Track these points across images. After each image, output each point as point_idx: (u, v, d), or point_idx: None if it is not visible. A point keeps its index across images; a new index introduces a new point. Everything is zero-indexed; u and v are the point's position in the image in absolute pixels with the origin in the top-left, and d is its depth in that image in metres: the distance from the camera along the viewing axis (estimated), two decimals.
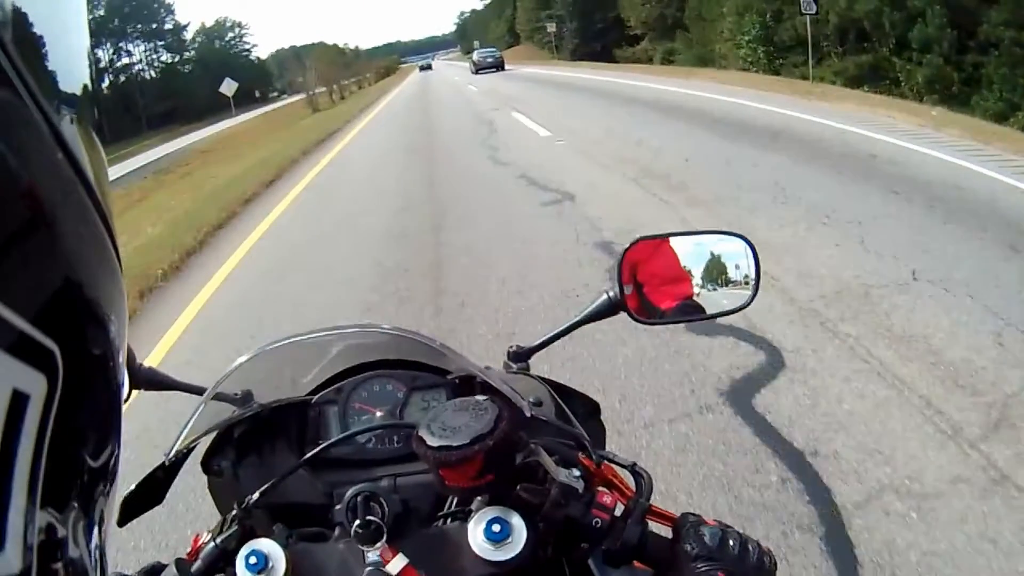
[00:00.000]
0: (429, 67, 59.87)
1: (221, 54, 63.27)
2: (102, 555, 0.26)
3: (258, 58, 71.52)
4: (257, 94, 57.93)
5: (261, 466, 0.74)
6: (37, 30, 0.22)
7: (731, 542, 0.57)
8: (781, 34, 17.40)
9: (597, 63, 28.87)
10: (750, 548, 0.57)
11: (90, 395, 0.24)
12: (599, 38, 34.62)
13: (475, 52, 38.13)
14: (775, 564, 0.58)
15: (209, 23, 70.46)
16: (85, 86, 0.27)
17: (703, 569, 0.55)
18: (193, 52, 61.89)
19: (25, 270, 0.20)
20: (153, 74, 57.72)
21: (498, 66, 34.64)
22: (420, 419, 0.58)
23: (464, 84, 25.70)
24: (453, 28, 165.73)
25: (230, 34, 67.40)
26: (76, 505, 0.23)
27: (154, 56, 58.09)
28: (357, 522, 0.58)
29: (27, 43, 0.22)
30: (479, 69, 34.60)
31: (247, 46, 69.67)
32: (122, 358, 0.27)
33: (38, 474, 0.20)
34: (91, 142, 0.26)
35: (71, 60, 0.26)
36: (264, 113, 35.54)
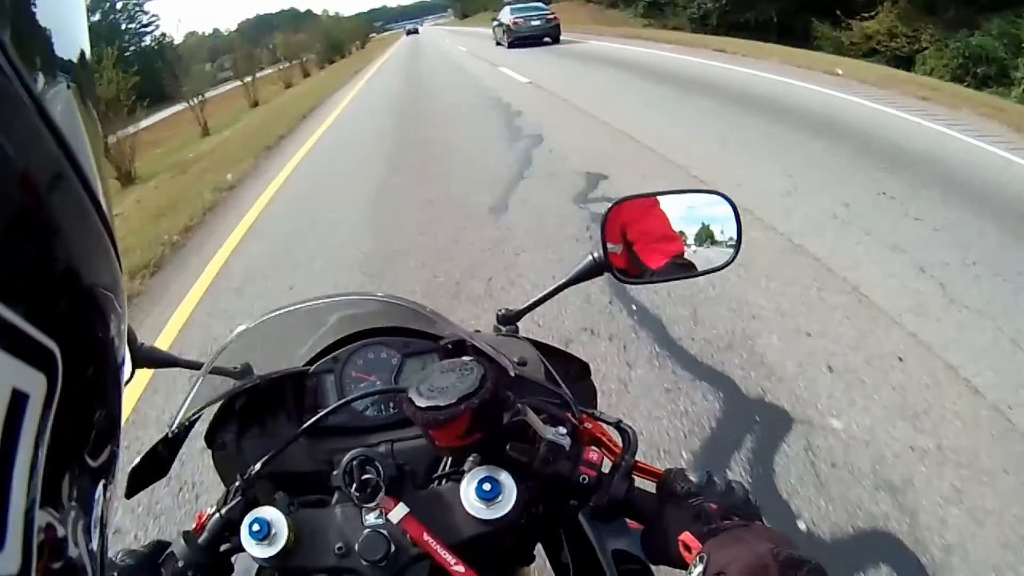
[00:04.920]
0: (416, 31, 60.27)
1: (99, 35, 43.21)
2: (102, 554, 0.26)
3: (162, 38, 46.48)
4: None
5: (263, 437, 0.76)
6: None
7: (717, 481, 0.60)
8: None
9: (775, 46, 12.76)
10: (735, 486, 0.61)
11: (89, 394, 0.24)
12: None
13: (506, 9, 21.13)
14: (757, 502, 0.61)
15: None
16: (82, 52, 0.27)
17: (695, 504, 0.58)
18: None
19: (24, 269, 0.20)
20: None
21: (551, 36, 18.68)
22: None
23: (510, 90, 10.25)
24: None
25: (120, 2, 45.87)
26: (76, 504, 0.23)
27: None
28: (354, 485, 0.60)
29: (23, 7, 0.21)
30: (514, 40, 18.60)
31: (147, 19, 47.81)
32: (122, 356, 0.27)
33: (37, 473, 0.20)
34: (88, 114, 0.26)
35: (66, 23, 0.25)
36: None
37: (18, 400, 0.19)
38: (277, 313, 0.77)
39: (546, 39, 18.56)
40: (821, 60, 10.88)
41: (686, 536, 0.56)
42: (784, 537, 0.52)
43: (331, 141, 8.64)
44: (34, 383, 0.20)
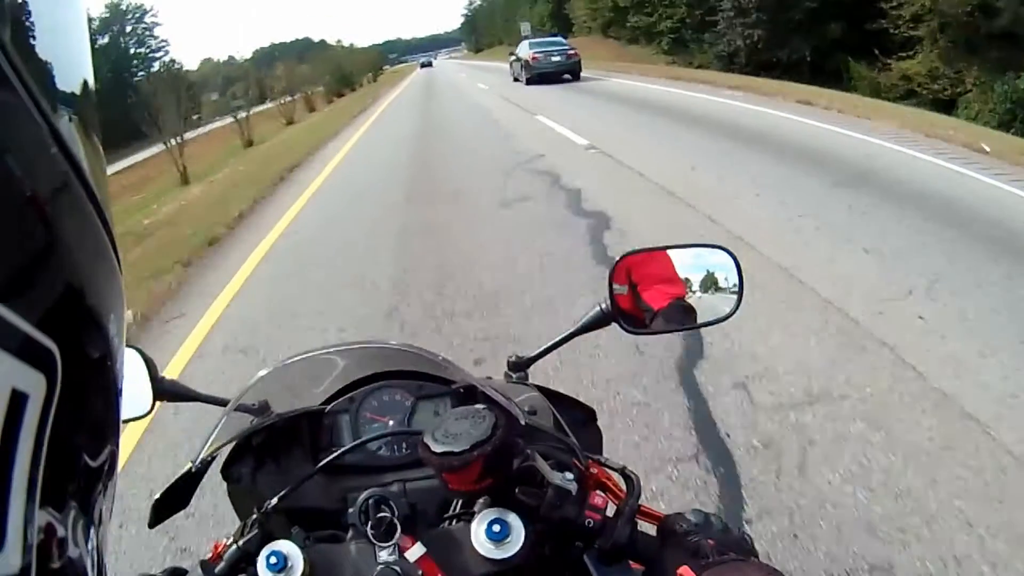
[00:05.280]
0: (430, 64, 62.48)
1: (108, 58, 40.46)
2: (101, 555, 0.26)
3: (171, 64, 47.39)
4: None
5: (278, 472, 0.78)
6: (35, 24, 0.22)
7: (713, 520, 0.64)
8: None
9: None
10: (730, 527, 0.64)
11: (89, 394, 0.25)
12: (806, 35, 17.85)
13: (524, 44, 20.38)
14: (753, 542, 0.65)
15: (100, 10, 44.37)
16: (85, 82, 0.27)
17: (694, 540, 0.61)
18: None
19: (25, 271, 0.20)
20: None
21: (572, 72, 17.99)
22: (427, 426, 0.63)
23: (571, 163, 6.75)
24: (459, 24, 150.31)
25: (129, 26, 44.91)
26: (75, 504, 0.23)
27: None
28: (370, 523, 0.63)
29: (24, 38, 0.22)
30: (533, 76, 17.86)
31: (156, 44, 46.43)
32: (120, 358, 0.28)
33: (37, 473, 0.20)
34: (90, 142, 0.26)
35: (70, 56, 0.26)
36: None
37: (18, 400, 0.19)
38: (296, 359, 0.80)
39: (566, 76, 17.90)
40: (949, 126, 8.10)
41: (684, 570, 0.58)
42: (779, 574, 0.54)
43: (298, 246, 5.48)
44: (34, 383, 0.20)
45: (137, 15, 45.60)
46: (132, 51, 44.38)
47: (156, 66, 43.79)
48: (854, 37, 17.20)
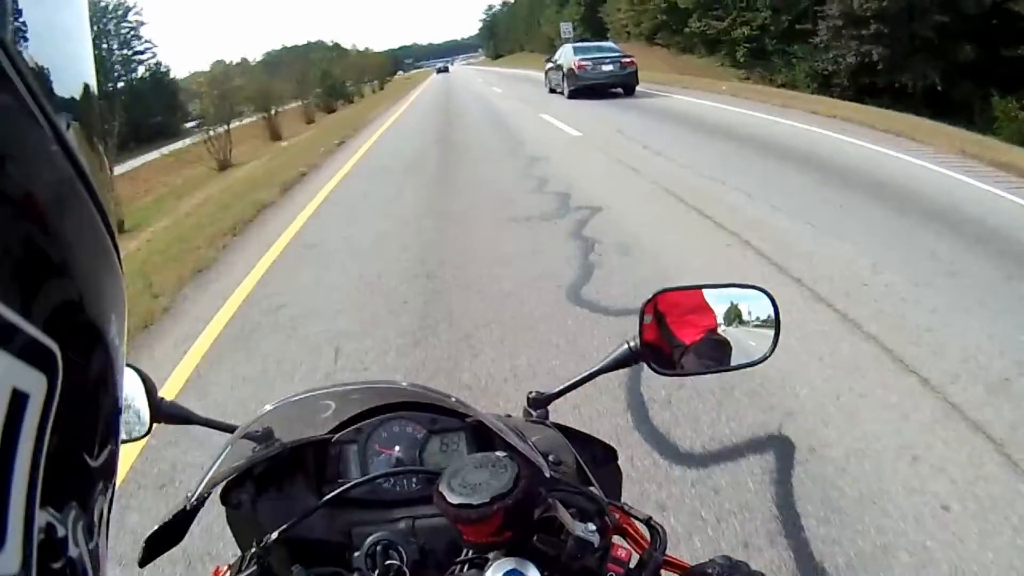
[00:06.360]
0: (446, 70, 62.29)
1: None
2: (101, 555, 0.26)
3: (157, 66, 42.63)
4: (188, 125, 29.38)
5: (280, 500, 0.76)
6: (36, 29, 0.23)
7: (742, 567, 0.62)
8: None
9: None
10: (755, 572, 0.63)
11: (89, 395, 0.25)
12: (928, 57, 14.48)
13: (567, 49, 17.02)
14: None
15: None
16: (86, 86, 0.27)
17: None
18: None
19: (26, 271, 0.20)
20: None
21: (625, 85, 14.82)
22: (440, 463, 0.63)
23: None
24: (477, 30, 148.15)
25: (112, 24, 41.15)
26: (76, 505, 0.23)
27: None
28: (377, 571, 0.62)
29: (26, 39, 0.22)
30: (579, 88, 14.70)
31: (142, 47, 42.84)
32: (121, 359, 0.28)
33: (38, 473, 0.20)
34: (91, 145, 0.27)
35: (71, 61, 0.26)
36: None
37: (18, 400, 0.19)
38: (303, 396, 0.76)
39: (618, 89, 14.69)
40: None
41: None
42: None
43: None
44: (34, 383, 0.20)
45: (120, 13, 42.23)
46: (116, 50, 40.91)
47: (141, 70, 40.57)
48: (981, 61, 13.88)
